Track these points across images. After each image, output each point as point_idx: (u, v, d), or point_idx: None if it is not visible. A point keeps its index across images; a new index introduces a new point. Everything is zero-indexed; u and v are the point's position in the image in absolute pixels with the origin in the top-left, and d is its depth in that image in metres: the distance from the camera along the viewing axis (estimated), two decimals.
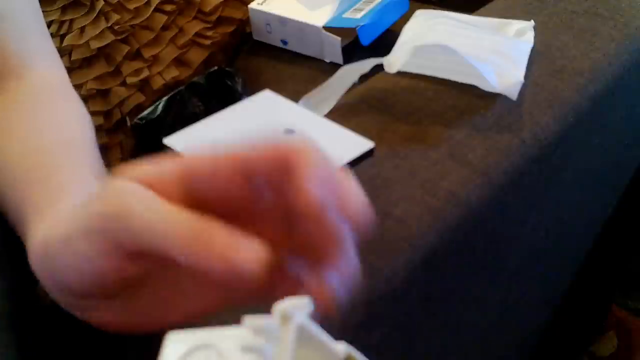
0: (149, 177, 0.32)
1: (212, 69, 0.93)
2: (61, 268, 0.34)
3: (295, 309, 0.28)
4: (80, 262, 0.33)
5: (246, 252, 0.29)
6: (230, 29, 0.96)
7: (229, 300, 0.35)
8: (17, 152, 0.46)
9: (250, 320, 0.28)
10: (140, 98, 0.90)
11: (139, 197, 0.31)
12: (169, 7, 0.91)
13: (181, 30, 0.92)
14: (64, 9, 0.89)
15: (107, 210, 0.31)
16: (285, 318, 0.28)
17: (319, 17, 0.89)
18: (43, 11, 0.56)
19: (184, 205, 0.31)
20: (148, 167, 0.33)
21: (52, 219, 0.38)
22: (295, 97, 0.56)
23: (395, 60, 0.58)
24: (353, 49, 0.88)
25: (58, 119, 0.49)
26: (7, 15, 0.51)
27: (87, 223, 0.33)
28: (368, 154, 0.48)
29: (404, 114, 0.57)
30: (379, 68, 0.59)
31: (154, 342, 0.30)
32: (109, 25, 0.88)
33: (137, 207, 0.31)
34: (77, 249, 0.33)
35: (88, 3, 0.88)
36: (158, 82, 0.90)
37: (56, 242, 0.35)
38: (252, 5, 0.94)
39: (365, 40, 0.86)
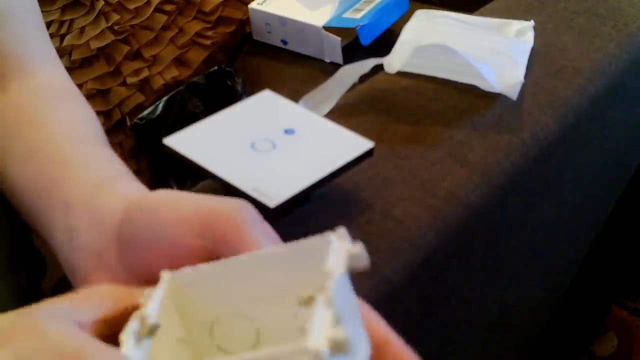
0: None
1: (212, 69, 0.93)
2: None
3: None
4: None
5: None
6: (230, 29, 0.96)
7: None
8: (41, 140, 0.46)
9: None
10: (140, 98, 0.90)
11: None
12: (169, 7, 0.91)
13: (181, 30, 0.92)
14: (64, 9, 0.89)
15: None
16: None
17: (319, 17, 0.89)
18: (43, 11, 0.56)
19: None
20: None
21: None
22: (295, 97, 0.56)
23: (395, 60, 0.58)
24: (353, 49, 0.88)
25: (73, 117, 0.50)
26: (8, 19, 0.51)
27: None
28: (368, 154, 0.48)
29: (404, 114, 0.57)
30: (379, 68, 0.59)
31: None
32: (109, 25, 0.88)
33: None
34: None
35: (88, 3, 0.88)
36: (158, 82, 0.90)
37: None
38: (252, 5, 0.94)
39: (365, 40, 0.86)
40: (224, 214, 0.34)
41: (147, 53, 0.90)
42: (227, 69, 0.93)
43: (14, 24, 0.52)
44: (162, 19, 0.91)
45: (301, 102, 0.59)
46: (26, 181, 0.45)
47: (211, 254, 0.35)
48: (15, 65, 0.51)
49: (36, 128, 0.47)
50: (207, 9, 0.93)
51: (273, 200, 0.43)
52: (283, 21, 0.92)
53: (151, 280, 0.36)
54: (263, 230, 0.34)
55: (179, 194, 0.37)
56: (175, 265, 0.35)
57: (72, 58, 0.88)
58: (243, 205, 0.35)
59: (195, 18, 0.93)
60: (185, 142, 0.47)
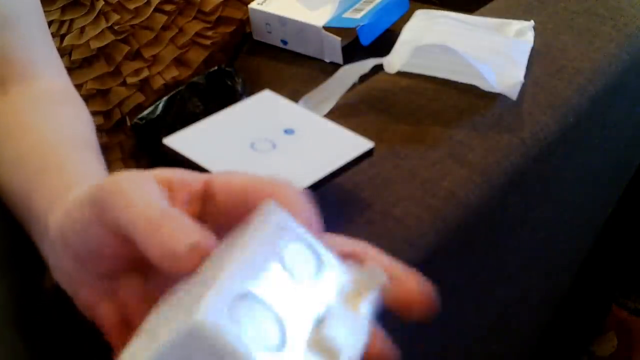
0: (172, 178, 0.33)
1: (212, 69, 0.93)
2: (69, 239, 0.35)
3: None
4: (78, 232, 0.34)
5: (181, 236, 0.29)
6: (230, 29, 0.96)
7: None
8: (28, 146, 0.46)
9: None
10: (140, 98, 0.90)
11: (139, 184, 0.32)
12: (169, 7, 0.91)
13: (181, 30, 0.92)
14: (64, 9, 0.89)
15: (102, 185, 0.32)
16: None
17: (319, 17, 0.89)
18: (43, 11, 0.56)
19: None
20: (177, 171, 0.34)
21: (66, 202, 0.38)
22: (295, 97, 0.56)
23: (395, 60, 0.58)
24: (353, 49, 0.88)
25: (67, 120, 0.50)
26: (14, 23, 0.51)
27: (84, 195, 0.33)
28: (368, 154, 0.48)
29: (404, 114, 0.57)
30: (379, 68, 0.59)
31: None
32: (109, 25, 0.88)
33: (128, 190, 0.31)
34: (74, 217, 0.34)
35: (88, 3, 0.88)
36: (158, 82, 0.90)
37: (64, 215, 0.35)
38: (252, 5, 0.94)
39: (365, 40, 0.86)
40: (102, 204, 0.32)
41: (147, 53, 0.90)
42: (227, 69, 0.93)
43: (19, 27, 0.52)
44: (162, 19, 0.91)
45: (301, 102, 0.59)
46: (13, 187, 0.45)
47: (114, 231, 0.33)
48: (19, 69, 0.51)
49: (28, 132, 0.47)
50: (207, 9, 0.93)
51: None
52: (283, 21, 0.92)
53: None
54: (145, 190, 0.32)
55: (84, 190, 0.35)
56: (117, 258, 0.34)
57: (72, 58, 0.88)
58: (114, 181, 0.32)
59: (195, 18, 0.93)
60: (185, 142, 0.47)
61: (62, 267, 0.37)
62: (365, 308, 0.31)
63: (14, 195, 0.45)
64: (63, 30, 0.88)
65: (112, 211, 0.31)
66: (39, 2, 0.55)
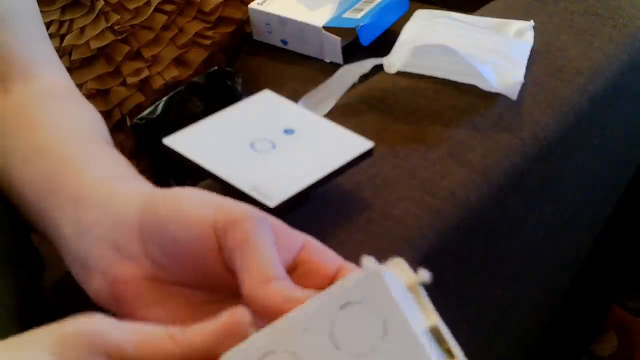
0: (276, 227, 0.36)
1: (212, 69, 0.93)
2: (157, 232, 0.37)
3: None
4: (184, 233, 0.36)
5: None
6: (230, 29, 0.96)
7: None
8: (43, 139, 0.46)
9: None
10: (140, 98, 0.90)
11: (261, 229, 0.35)
12: (169, 7, 0.91)
13: (181, 30, 0.92)
14: (64, 9, 0.89)
15: (234, 215, 0.35)
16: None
17: (319, 17, 0.89)
18: (43, 11, 0.56)
19: None
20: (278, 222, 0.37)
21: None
22: (295, 97, 0.56)
23: (395, 60, 0.58)
24: (353, 49, 0.88)
25: (76, 116, 0.50)
26: (12, 22, 0.51)
27: (202, 209, 0.37)
28: (368, 154, 0.48)
29: (404, 114, 0.57)
30: (379, 68, 0.59)
31: None
32: (109, 25, 0.88)
33: (254, 234, 0.35)
34: (180, 219, 0.36)
35: (88, 3, 0.88)
36: (158, 82, 0.90)
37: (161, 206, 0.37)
38: (252, 5, 0.94)
39: (365, 40, 0.86)
40: (239, 223, 0.35)
41: (147, 53, 0.90)
42: (227, 69, 0.93)
43: (17, 26, 0.52)
44: (162, 19, 0.91)
45: (301, 102, 0.59)
46: (29, 179, 0.45)
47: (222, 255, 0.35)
48: (19, 68, 0.51)
49: (38, 128, 0.47)
50: (207, 9, 0.93)
51: (273, 200, 0.43)
52: (283, 21, 0.92)
53: (175, 273, 0.37)
54: (267, 240, 0.35)
55: (200, 191, 0.38)
56: (197, 260, 0.36)
57: (72, 58, 0.88)
58: (256, 215, 0.35)
59: (195, 18, 0.93)
60: (184, 142, 0.47)
61: (124, 246, 0.38)
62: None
63: (26, 187, 0.45)
64: (63, 30, 0.88)
65: (232, 246, 0.34)
66: (36, 2, 0.55)
